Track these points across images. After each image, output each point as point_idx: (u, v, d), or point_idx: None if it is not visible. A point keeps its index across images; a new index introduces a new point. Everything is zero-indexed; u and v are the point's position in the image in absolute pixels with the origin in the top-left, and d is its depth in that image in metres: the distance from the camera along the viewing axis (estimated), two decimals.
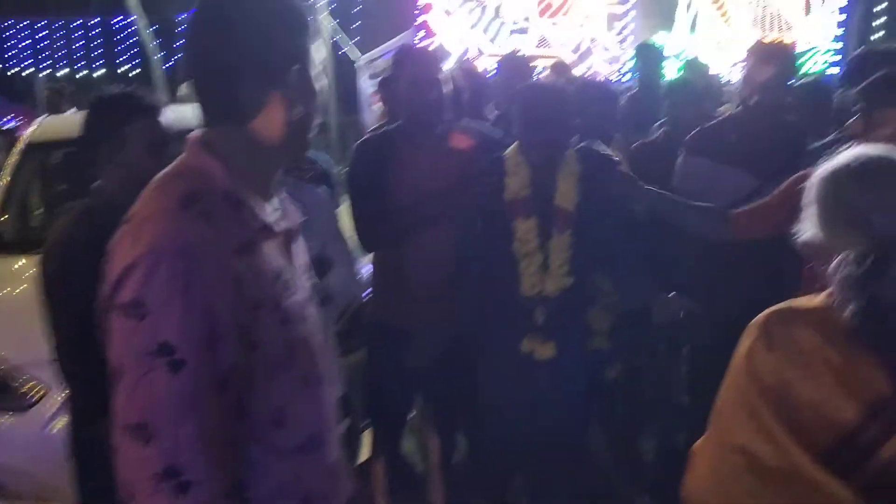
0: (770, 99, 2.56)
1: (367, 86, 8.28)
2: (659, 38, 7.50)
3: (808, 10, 7.64)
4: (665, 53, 7.34)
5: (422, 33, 7.38)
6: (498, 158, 2.37)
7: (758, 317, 1.24)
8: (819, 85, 3.32)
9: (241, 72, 1.08)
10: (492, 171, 2.35)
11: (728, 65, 7.50)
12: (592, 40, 7.58)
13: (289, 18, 1.11)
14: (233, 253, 1.05)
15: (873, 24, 8.26)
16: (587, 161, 2.38)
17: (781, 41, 2.91)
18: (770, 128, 2.59)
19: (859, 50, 3.15)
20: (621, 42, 7.54)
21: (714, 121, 2.82)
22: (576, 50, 7.57)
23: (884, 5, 8.21)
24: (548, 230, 2.31)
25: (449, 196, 2.36)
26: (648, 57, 4.35)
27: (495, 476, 2.67)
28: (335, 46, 9.24)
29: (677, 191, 2.50)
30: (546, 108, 2.29)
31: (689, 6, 7.51)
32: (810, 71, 7.62)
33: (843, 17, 7.67)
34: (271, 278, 1.12)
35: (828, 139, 2.52)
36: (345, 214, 2.88)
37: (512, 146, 2.39)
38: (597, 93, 3.20)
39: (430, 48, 7.19)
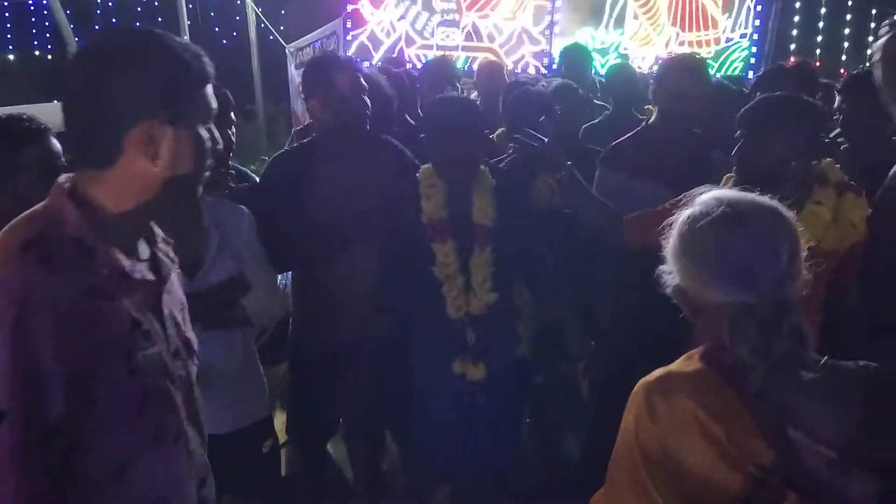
0: (679, 111, 2.59)
1: (296, 74, 8.13)
2: (586, 33, 7.59)
3: (727, 7, 7.84)
4: (592, 48, 7.49)
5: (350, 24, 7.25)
6: (411, 181, 2.33)
7: (639, 384, 1.22)
8: (723, 92, 3.35)
9: (96, 117, 1.07)
10: (407, 196, 2.30)
11: (650, 62, 7.65)
12: (522, 31, 7.60)
13: (159, 70, 1.09)
14: (74, 299, 1.03)
15: (792, 19, 8.54)
16: (500, 174, 2.37)
17: (692, 54, 2.94)
18: (680, 141, 2.62)
19: (773, 66, 3.23)
20: (549, 35, 7.58)
21: (627, 135, 2.85)
22: (506, 42, 7.57)
23: (798, 4, 8.49)
24: (468, 249, 2.29)
25: (370, 217, 2.30)
26: (575, 58, 4.37)
27: (424, 486, 2.69)
28: (264, 32, 9.04)
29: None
30: (461, 124, 2.24)
31: (614, 2, 7.61)
32: (731, 71, 7.85)
33: (760, 7, 7.90)
34: (125, 327, 1.10)
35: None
36: None
37: (425, 167, 2.35)
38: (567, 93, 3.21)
39: (357, 41, 7.12)
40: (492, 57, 7.50)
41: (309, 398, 2.52)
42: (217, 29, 12.49)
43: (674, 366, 1.23)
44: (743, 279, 1.12)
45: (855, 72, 3.05)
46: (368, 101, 2.40)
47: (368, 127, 2.40)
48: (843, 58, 9.08)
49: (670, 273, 1.23)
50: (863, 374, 1.15)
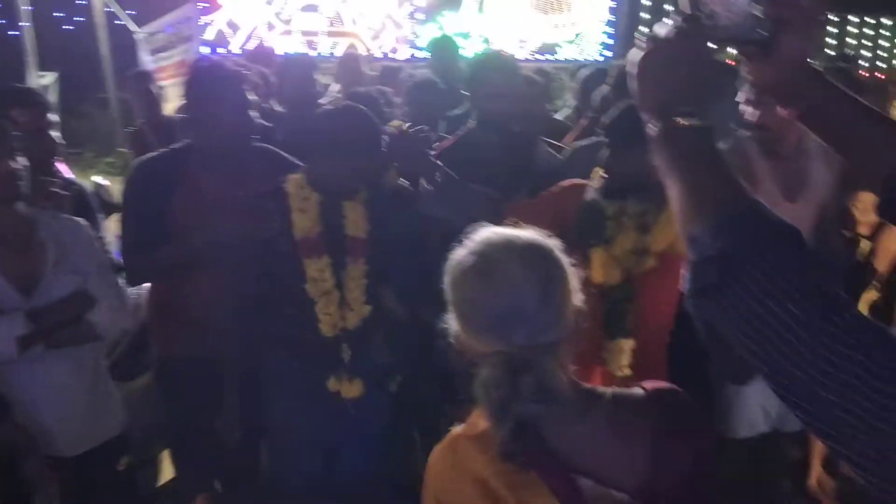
0: (497, 110, 2.61)
1: (148, 61, 7.72)
2: (448, 18, 7.64)
3: None
4: (454, 33, 7.55)
5: (204, 8, 6.93)
6: (279, 192, 2.20)
7: (438, 446, 1.18)
8: (531, 84, 3.33)
9: None
10: (274, 210, 2.18)
11: (516, 45, 7.80)
12: (387, 16, 7.55)
13: None
14: None
15: (642, 3, 8.97)
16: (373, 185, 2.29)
17: (502, 51, 2.98)
18: (502, 141, 2.62)
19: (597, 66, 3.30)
20: (412, 20, 7.57)
21: (454, 138, 2.83)
22: (370, 27, 7.50)
23: None
24: (341, 263, 2.21)
25: (237, 230, 2.17)
26: (442, 49, 4.32)
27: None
28: (112, 15, 8.51)
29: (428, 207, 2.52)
30: (356, 137, 2.14)
31: None
32: (585, 54, 8.14)
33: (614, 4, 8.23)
34: None
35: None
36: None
37: (295, 177, 2.23)
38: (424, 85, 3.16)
39: (214, 26, 6.83)
40: (357, 42, 7.43)
41: (183, 409, 2.41)
42: (62, 14, 11.64)
43: (467, 427, 1.17)
44: (496, 332, 1.10)
45: None
46: (255, 116, 2.27)
47: (242, 137, 2.27)
48: None
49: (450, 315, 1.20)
50: (650, 400, 1.13)
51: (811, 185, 2.73)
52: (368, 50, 7.29)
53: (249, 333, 2.27)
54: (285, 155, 2.43)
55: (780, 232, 0.76)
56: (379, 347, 2.45)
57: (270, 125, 3.20)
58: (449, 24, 7.65)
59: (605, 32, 8.27)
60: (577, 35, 8.17)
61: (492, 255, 1.13)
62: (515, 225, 1.22)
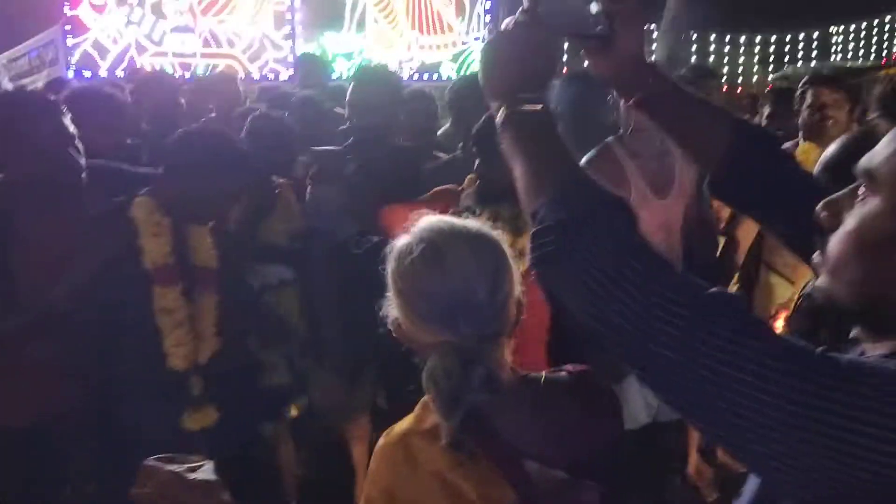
0: (374, 123, 2.62)
1: (10, 88, 7.27)
2: (328, 38, 7.62)
3: (459, 10, 8.28)
4: (336, 54, 7.54)
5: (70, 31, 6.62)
6: (118, 215, 2.05)
7: (382, 441, 1.17)
8: (422, 98, 3.32)
9: None
10: (117, 235, 2.03)
11: (396, 64, 7.87)
12: (264, 37, 7.45)
13: None
14: None
15: None
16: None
17: (381, 65, 3.02)
18: (383, 153, 2.63)
19: (465, 78, 3.35)
20: (291, 41, 7.50)
21: (333, 149, 2.80)
22: (247, 48, 7.37)
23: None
24: (191, 293, 2.11)
25: (82, 289, 1.96)
26: (309, 67, 4.32)
27: None
28: None
29: (310, 220, 2.50)
30: (213, 160, 2.05)
31: (354, 5, 7.71)
32: (467, 72, 8.30)
33: (489, 14, 8.44)
34: None
35: (444, 159, 2.67)
36: None
37: (142, 200, 2.08)
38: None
39: (80, 49, 6.53)
40: (234, 64, 7.27)
41: (17, 487, 2.16)
42: None
43: (411, 421, 1.17)
44: (445, 322, 1.11)
45: None
46: (79, 150, 2.05)
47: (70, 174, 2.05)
48: (566, 58, 9.98)
49: (390, 303, 1.19)
50: (574, 382, 1.19)
51: (677, 181, 2.87)
52: (247, 71, 7.17)
53: (93, 382, 2.08)
54: (133, 170, 2.30)
55: (608, 201, 0.83)
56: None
57: (137, 144, 3.07)
58: (330, 44, 7.62)
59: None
60: (457, 54, 8.32)
61: (442, 243, 1.13)
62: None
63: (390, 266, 1.16)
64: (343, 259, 2.48)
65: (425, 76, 8.00)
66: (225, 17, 7.25)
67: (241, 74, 7.22)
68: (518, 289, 1.18)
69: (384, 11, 7.83)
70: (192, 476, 1.51)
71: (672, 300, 0.73)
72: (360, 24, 7.76)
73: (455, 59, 8.30)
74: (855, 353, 0.79)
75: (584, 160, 2.92)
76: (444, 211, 2.32)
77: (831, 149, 1.60)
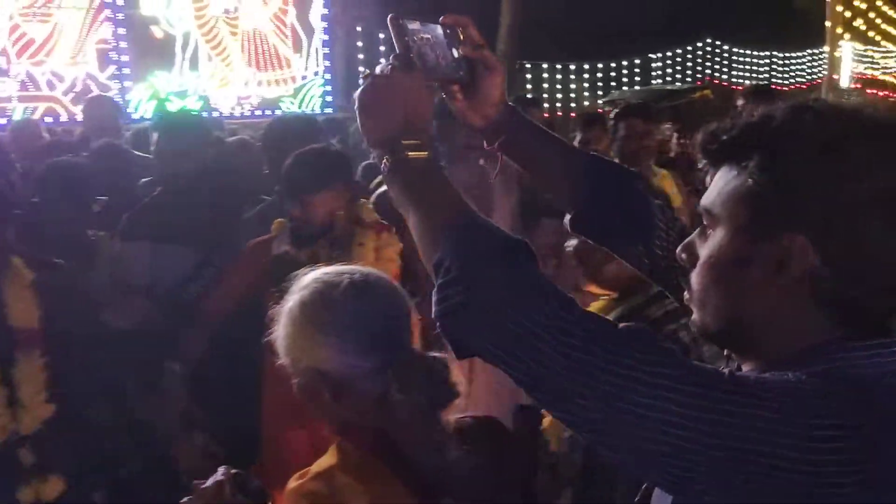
0: (185, 170, 2.54)
1: None
2: (159, 77, 7.35)
3: (297, 46, 8.25)
4: (169, 93, 7.27)
5: None
6: None
7: (296, 484, 1.12)
8: (243, 147, 3.28)
9: None
10: None
11: (232, 102, 7.71)
12: (88, 77, 7.07)
13: None
14: None
15: (357, 56, 9.32)
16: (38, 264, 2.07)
17: (189, 110, 2.96)
18: (195, 200, 2.54)
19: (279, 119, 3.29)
20: (120, 81, 7.17)
21: (146, 200, 2.71)
22: (69, 89, 6.96)
23: (360, 43, 9.32)
24: (8, 357, 1.93)
25: None
26: (98, 111, 4.00)
27: None
28: None
29: (116, 279, 2.39)
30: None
31: (185, 43, 7.49)
32: (311, 107, 8.27)
33: (326, 49, 8.48)
34: None
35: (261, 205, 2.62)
36: None
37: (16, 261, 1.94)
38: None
39: None
40: (56, 106, 6.85)
41: None
42: None
43: (332, 460, 1.14)
44: (385, 340, 1.13)
45: None
46: None
47: None
48: None
49: (290, 363, 1.15)
50: (481, 426, 1.23)
51: (497, 212, 2.97)
52: (72, 113, 6.76)
53: None
54: None
55: (508, 244, 0.83)
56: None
57: None
58: (162, 84, 7.35)
59: (324, 86, 8.47)
60: (298, 89, 8.27)
61: (362, 274, 1.16)
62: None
63: (304, 313, 1.14)
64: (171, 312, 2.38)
65: (267, 112, 7.89)
66: (43, 59, 6.82)
67: (64, 117, 6.84)
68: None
69: (217, 49, 7.65)
70: None
71: (583, 337, 0.74)
72: (193, 63, 7.53)
73: (296, 94, 8.24)
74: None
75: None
76: (258, 266, 2.30)
77: None
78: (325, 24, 8.42)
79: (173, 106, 6.96)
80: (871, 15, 8.87)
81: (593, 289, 2.18)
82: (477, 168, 2.70)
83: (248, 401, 2.18)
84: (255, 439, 2.22)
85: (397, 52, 0.97)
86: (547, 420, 2.04)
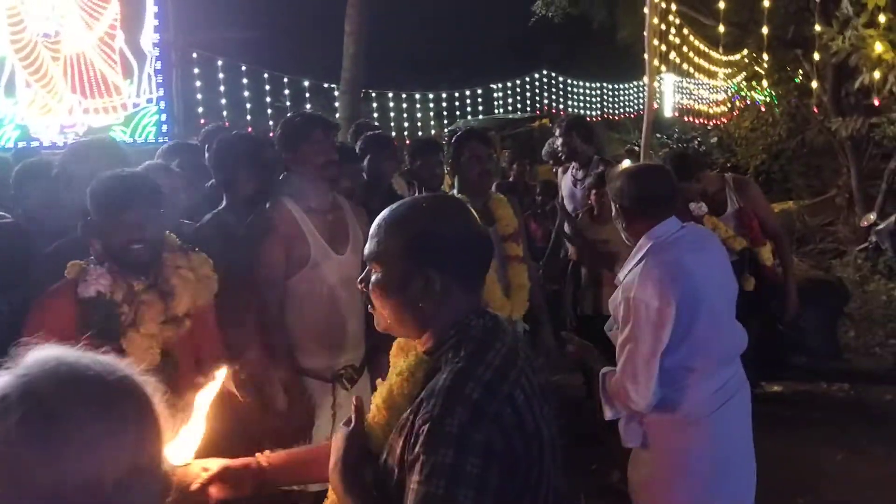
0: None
1: None
2: None
3: (127, 72, 7.78)
4: None
5: None
6: None
7: None
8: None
9: None
10: None
11: (55, 131, 7.15)
12: None
13: None
14: None
15: (194, 84, 8.97)
16: None
17: (103, 137, 2.78)
18: None
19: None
20: None
21: None
22: None
23: (196, 70, 8.99)
24: None
25: None
26: None
27: None
28: None
29: None
30: None
31: (0, 68, 6.87)
32: (145, 136, 7.83)
33: (161, 75, 8.06)
34: None
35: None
36: None
37: None
38: None
39: None
40: None
41: None
42: None
43: None
44: None
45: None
46: None
47: None
48: (249, 117, 9.99)
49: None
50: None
51: (352, 236, 2.92)
52: None
53: None
54: None
55: None
56: None
57: None
58: None
59: (157, 113, 8.04)
60: (130, 116, 7.79)
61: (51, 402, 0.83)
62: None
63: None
64: None
65: None
66: None
67: None
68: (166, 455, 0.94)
69: (37, 74, 7.07)
70: None
71: None
72: (10, 89, 6.92)
73: (127, 122, 7.76)
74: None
75: (251, 219, 2.87)
76: (65, 308, 2.07)
77: None
78: (157, 52, 8.00)
79: None
80: (685, 49, 9.67)
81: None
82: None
83: None
84: None
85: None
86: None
